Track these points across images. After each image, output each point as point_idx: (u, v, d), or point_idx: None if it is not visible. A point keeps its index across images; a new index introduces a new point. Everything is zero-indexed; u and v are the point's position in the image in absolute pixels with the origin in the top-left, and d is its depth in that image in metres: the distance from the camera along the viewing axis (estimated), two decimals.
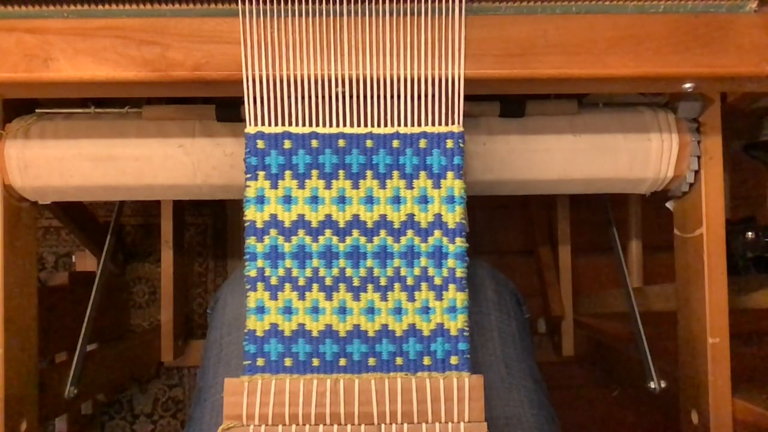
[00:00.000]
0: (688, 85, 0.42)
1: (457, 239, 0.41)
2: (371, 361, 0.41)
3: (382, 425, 0.39)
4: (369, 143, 0.41)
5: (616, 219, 0.75)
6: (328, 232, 0.41)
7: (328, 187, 0.41)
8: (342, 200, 0.41)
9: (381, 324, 0.41)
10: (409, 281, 0.41)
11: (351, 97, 0.41)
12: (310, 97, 0.41)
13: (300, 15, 0.40)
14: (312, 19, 0.40)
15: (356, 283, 0.41)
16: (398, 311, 0.41)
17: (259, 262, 0.41)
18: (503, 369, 0.50)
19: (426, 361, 0.41)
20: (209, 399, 0.50)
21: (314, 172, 0.41)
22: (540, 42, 0.40)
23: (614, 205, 0.77)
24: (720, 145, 0.52)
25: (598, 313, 1.02)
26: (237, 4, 0.40)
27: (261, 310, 0.41)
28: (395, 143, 0.41)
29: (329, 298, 0.41)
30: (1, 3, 0.41)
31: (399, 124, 0.42)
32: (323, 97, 0.41)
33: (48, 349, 0.78)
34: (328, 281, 0.41)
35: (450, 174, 0.41)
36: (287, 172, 0.41)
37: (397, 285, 0.41)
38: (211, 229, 1.18)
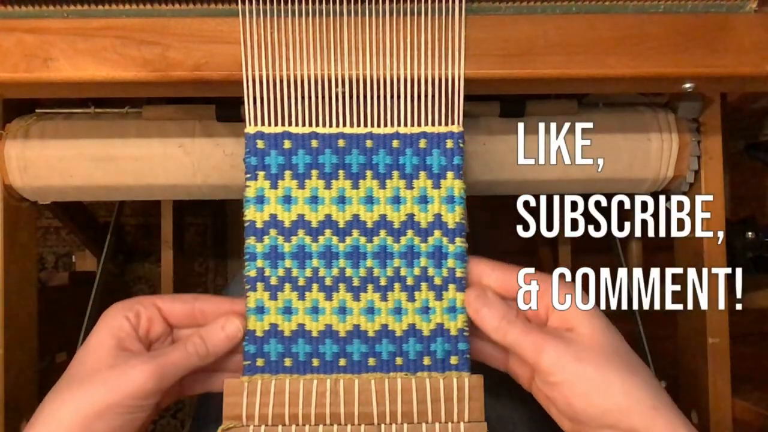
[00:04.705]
0: (688, 85, 0.42)
1: (457, 239, 0.41)
2: (371, 361, 0.41)
3: (382, 425, 0.39)
4: (369, 143, 0.41)
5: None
6: (327, 232, 0.41)
7: (328, 187, 0.41)
8: (342, 200, 0.41)
9: (381, 324, 0.41)
10: (409, 281, 0.41)
11: (351, 97, 0.41)
12: (310, 97, 0.41)
13: (300, 15, 0.40)
14: (312, 19, 0.40)
15: (356, 283, 0.41)
16: (398, 311, 0.41)
17: (259, 262, 0.41)
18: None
19: (426, 361, 0.41)
20: (216, 398, 0.50)
21: (314, 172, 0.41)
22: (540, 42, 0.40)
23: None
24: (720, 145, 0.52)
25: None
26: (237, 4, 0.40)
27: (261, 310, 0.41)
28: (395, 143, 0.41)
29: (329, 298, 0.41)
30: (1, 3, 0.41)
31: (399, 124, 0.42)
32: (323, 97, 0.41)
33: (48, 349, 0.78)
34: (328, 281, 0.41)
35: (450, 174, 0.41)
36: (287, 172, 0.41)
37: (397, 285, 0.41)
38: (211, 229, 1.18)
